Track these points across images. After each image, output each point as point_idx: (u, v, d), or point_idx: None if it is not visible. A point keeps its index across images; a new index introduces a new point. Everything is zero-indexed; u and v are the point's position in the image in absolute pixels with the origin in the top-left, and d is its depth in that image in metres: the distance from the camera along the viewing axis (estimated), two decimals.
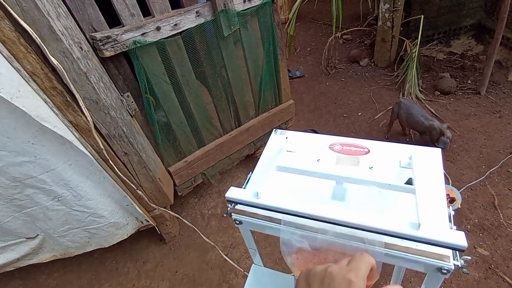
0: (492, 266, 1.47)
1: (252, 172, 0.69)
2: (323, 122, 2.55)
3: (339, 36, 3.43)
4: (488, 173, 1.88)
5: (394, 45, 2.98)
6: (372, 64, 3.18)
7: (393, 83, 2.86)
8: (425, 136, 2.04)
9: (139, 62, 1.28)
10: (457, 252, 0.52)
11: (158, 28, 1.27)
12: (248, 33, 1.63)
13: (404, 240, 0.52)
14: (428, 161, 0.68)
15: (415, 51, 2.62)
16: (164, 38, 1.32)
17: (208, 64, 1.56)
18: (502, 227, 1.61)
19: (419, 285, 1.43)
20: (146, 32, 1.25)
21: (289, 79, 3.12)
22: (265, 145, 0.76)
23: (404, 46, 2.90)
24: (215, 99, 1.71)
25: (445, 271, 0.52)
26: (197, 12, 1.38)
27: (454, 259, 0.52)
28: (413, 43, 2.73)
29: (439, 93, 2.62)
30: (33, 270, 1.77)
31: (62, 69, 1.02)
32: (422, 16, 2.75)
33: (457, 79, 2.70)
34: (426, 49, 3.11)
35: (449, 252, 0.52)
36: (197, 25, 1.41)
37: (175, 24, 1.33)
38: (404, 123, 2.19)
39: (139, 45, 1.23)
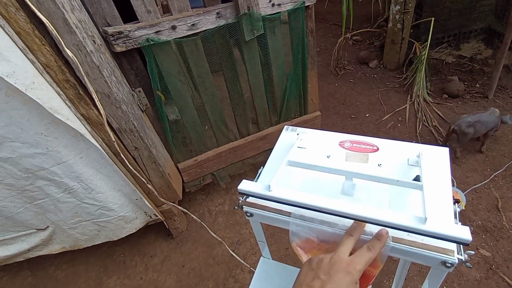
0: (493, 267, 1.48)
1: (263, 167, 0.71)
2: (331, 122, 2.56)
3: (349, 37, 3.43)
4: (492, 176, 1.89)
5: (404, 47, 2.98)
6: (381, 66, 3.18)
7: (401, 85, 2.86)
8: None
9: (152, 59, 1.28)
10: (461, 246, 0.54)
11: (173, 27, 1.27)
12: (275, 39, 1.58)
13: (410, 234, 0.54)
14: (435, 159, 0.69)
15: (425, 54, 2.62)
16: (180, 38, 1.30)
17: (227, 67, 1.53)
18: (505, 229, 1.62)
19: (421, 283, 1.45)
20: (161, 30, 1.25)
21: None
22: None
23: (413, 48, 2.90)
24: (233, 103, 1.69)
25: (449, 265, 0.53)
26: (218, 13, 1.34)
27: (458, 253, 0.53)
28: (422, 46, 2.73)
29: (447, 96, 2.62)
30: (42, 262, 1.79)
31: (77, 62, 1.03)
32: (433, 18, 2.74)
33: (465, 83, 2.70)
34: (435, 52, 3.10)
35: (453, 247, 0.53)
36: (216, 26, 1.37)
37: (193, 24, 1.31)
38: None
39: (152, 42, 1.24)
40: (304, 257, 0.60)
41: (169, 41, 1.29)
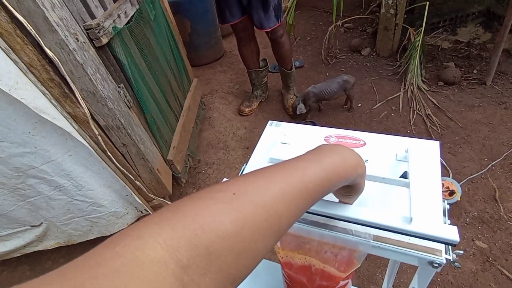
0: (490, 259, 1.47)
1: (246, 164, 0.69)
2: (322, 113, 2.53)
3: (340, 24, 3.36)
4: (490, 165, 1.86)
5: (397, 33, 2.92)
6: (374, 54, 3.13)
7: (395, 73, 2.81)
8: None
9: (120, 49, 1.32)
10: (449, 246, 0.52)
11: (119, 15, 1.32)
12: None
13: (396, 233, 0.53)
14: (424, 154, 0.67)
15: (419, 40, 2.57)
16: (126, 25, 1.38)
17: (149, 49, 1.65)
18: (502, 221, 1.60)
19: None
20: (115, 19, 1.29)
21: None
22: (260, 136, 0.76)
23: (407, 34, 2.84)
24: (161, 84, 1.80)
25: (437, 265, 0.52)
26: (130, 1, 1.46)
27: (446, 253, 0.52)
28: (417, 31, 2.68)
29: (443, 84, 2.58)
30: (39, 257, 1.80)
31: (58, 61, 1.01)
32: (427, 2, 2.67)
33: (462, 69, 2.66)
34: (430, 38, 3.05)
35: (441, 246, 0.52)
36: (134, 12, 1.48)
37: (125, 12, 1.39)
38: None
39: (116, 31, 1.27)
40: (280, 251, 0.62)
41: (125, 28, 1.35)
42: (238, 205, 0.30)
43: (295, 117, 2.43)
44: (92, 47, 1.15)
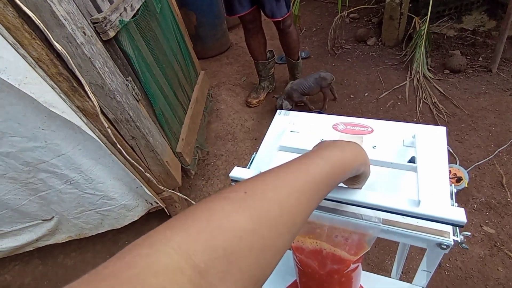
0: (498, 243, 1.48)
1: (256, 153, 0.70)
2: (329, 103, 2.53)
3: (346, 15, 3.33)
4: (497, 152, 1.86)
5: (403, 22, 2.89)
6: (380, 43, 3.11)
7: (400, 62, 2.80)
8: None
9: (126, 42, 1.32)
10: (457, 228, 0.53)
11: (125, 9, 1.32)
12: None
13: (404, 217, 0.54)
14: (432, 139, 0.68)
15: (424, 28, 2.55)
16: (132, 18, 1.38)
17: (156, 42, 1.65)
18: (509, 206, 1.61)
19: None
20: (121, 12, 1.28)
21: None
22: (269, 126, 0.77)
23: (412, 23, 2.81)
24: (169, 77, 1.81)
25: (445, 247, 0.53)
26: None
27: (454, 235, 0.53)
28: (422, 20, 2.65)
29: (449, 72, 2.57)
30: (51, 251, 1.83)
31: (67, 55, 1.02)
32: None
33: (467, 57, 2.63)
34: (436, 26, 3.02)
35: (449, 228, 0.53)
36: (140, 5, 1.47)
37: (131, 5, 1.38)
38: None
39: (123, 25, 1.27)
40: None
41: (131, 22, 1.35)
42: (251, 202, 0.29)
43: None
44: (99, 41, 1.16)
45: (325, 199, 0.57)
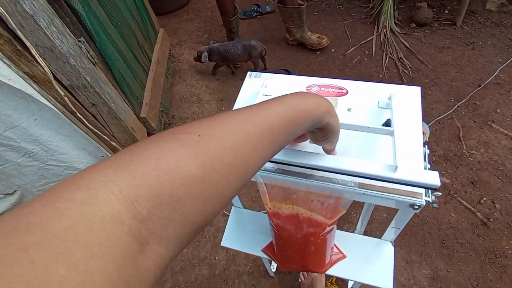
0: (451, 192, 1.61)
1: None
2: (295, 60, 2.47)
3: None
4: (456, 106, 1.95)
5: None
6: None
7: (368, 15, 2.75)
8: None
9: None
10: (429, 189, 0.55)
11: None
12: None
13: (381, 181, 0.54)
14: (406, 100, 0.68)
15: None
16: None
17: None
18: (464, 157, 1.72)
19: (388, 212, 1.55)
20: None
21: (259, 15, 2.91)
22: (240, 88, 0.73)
23: None
24: (126, 37, 1.68)
25: (417, 207, 0.55)
26: None
27: (426, 196, 0.54)
28: None
29: (415, 26, 2.57)
30: None
31: (5, 13, 0.88)
32: None
33: (434, 9, 2.63)
34: None
35: (421, 190, 0.54)
36: None
37: None
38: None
39: None
40: (268, 203, 0.63)
41: None
42: (205, 148, 0.27)
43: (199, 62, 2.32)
44: None
45: (302, 167, 0.55)
